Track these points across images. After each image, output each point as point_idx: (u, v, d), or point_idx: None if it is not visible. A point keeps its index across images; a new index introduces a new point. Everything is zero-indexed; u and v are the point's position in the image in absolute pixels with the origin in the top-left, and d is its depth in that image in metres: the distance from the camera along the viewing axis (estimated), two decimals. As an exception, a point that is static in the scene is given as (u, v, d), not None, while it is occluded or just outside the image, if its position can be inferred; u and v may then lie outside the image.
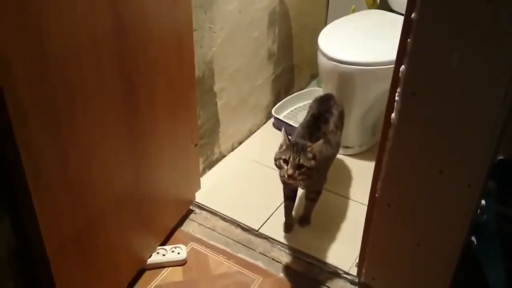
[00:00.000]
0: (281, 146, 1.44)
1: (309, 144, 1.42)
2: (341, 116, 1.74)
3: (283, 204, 1.67)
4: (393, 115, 1.19)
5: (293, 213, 1.70)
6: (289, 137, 1.43)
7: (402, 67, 1.13)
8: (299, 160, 1.38)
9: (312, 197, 1.65)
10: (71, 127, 1.08)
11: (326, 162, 1.56)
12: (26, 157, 0.97)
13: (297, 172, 1.38)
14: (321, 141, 1.42)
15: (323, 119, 1.60)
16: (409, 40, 1.08)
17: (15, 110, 0.92)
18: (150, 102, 1.35)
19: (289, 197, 1.64)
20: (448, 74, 1.07)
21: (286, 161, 1.39)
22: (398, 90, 1.16)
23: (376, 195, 1.33)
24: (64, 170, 1.08)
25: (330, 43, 1.85)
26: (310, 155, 1.39)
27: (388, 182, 1.28)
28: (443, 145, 1.16)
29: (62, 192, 1.10)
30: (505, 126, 1.13)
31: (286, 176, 1.39)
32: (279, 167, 1.41)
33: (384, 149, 1.25)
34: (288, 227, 1.67)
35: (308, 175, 1.41)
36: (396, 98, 1.17)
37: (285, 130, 1.43)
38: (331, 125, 1.61)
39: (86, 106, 1.11)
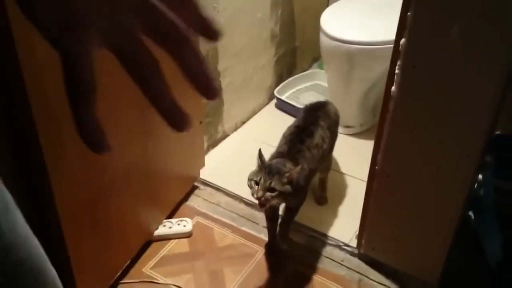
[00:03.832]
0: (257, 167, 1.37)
1: (287, 168, 1.34)
2: (331, 128, 1.61)
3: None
4: (393, 87, 1.23)
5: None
6: (262, 158, 1.35)
7: (402, 40, 1.16)
8: (270, 183, 1.29)
9: (289, 211, 1.51)
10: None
11: (306, 179, 1.44)
12: (41, 125, 1.01)
13: (268, 194, 1.29)
14: (299, 167, 1.34)
15: (308, 132, 1.50)
16: (409, 13, 1.12)
17: (33, 84, 0.96)
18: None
19: (271, 218, 1.52)
20: (447, 47, 1.11)
21: (257, 183, 1.31)
22: (398, 63, 1.20)
23: (376, 167, 1.37)
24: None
25: (332, 23, 1.88)
26: (285, 180, 1.31)
27: (388, 153, 1.33)
28: (443, 117, 1.20)
29: (75, 158, 1.14)
30: (503, 100, 1.17)
31: (255, 197, 1.31)
32: (250, 187, 1.33)
33: (384, 121, 1.29)
34: (270, 249, 1.56)
35: (280, 199, 1.33)
36: (396, 71, 1.21)
37: (260, 151, 1.36)
38: (316, 138, 1.51)
39: (99, 81, 1.15)
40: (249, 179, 1.34)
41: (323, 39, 1.88)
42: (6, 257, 0.49)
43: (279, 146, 1.51)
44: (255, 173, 1.34)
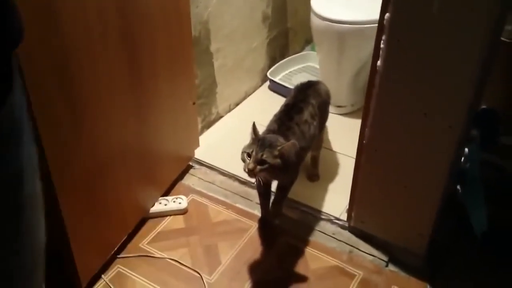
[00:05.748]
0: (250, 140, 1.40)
1: (279, 142, 1.37)
2: (322, 107, 1.64)
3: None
4: (379, 62, 1.26)
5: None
6: (256, 131, 1.39)
7: (387, 15, 1.19)
8: (262, 155, 1.31)
9: (280, 191, 1.54)
10: (79, 81, 1.16)
11: (298, 156, 1.45)
12: (37, 106, 1.03)
13: (258, 167, 1.31)
14: (292, 141, 1.36)
15: (297, 109, 1.53)
16: (392, -12, 1.15)
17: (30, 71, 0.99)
18: (150, 58, 1.42)
19: (263, 194, 1.56)
20: (430, 20, 1.14)
21: (249, 156, 1.33)
22: (383, 37, 1.23)
23: (364, 141, 1.41)
24: (72, 116, 1.16)
25: (322, 3, 1.91)
26: (277, 153, 1.33)
27: (375, 127, 1.36)
28: (427, 89, 1.23)
29: (71, 137, 1.18)
30: (487, 73, 1.21)
31: (246, 170, 1.33)
32: (243, 160, 1.36)
33: (371, 96, 1.33)
34: (264, 224, 1.60)
35: (271, 173, 1.36)
36: (382, 45, 1.24)
37: (254, 124, 1.39)
38: (305, 115, 1.53)
39: (93, 62, 1.19)
40: (242, 152, 1.37)
41: (313, 20, 1.91)
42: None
43: (269, 125, 1.54)
44: (248, 146, 1.37)
